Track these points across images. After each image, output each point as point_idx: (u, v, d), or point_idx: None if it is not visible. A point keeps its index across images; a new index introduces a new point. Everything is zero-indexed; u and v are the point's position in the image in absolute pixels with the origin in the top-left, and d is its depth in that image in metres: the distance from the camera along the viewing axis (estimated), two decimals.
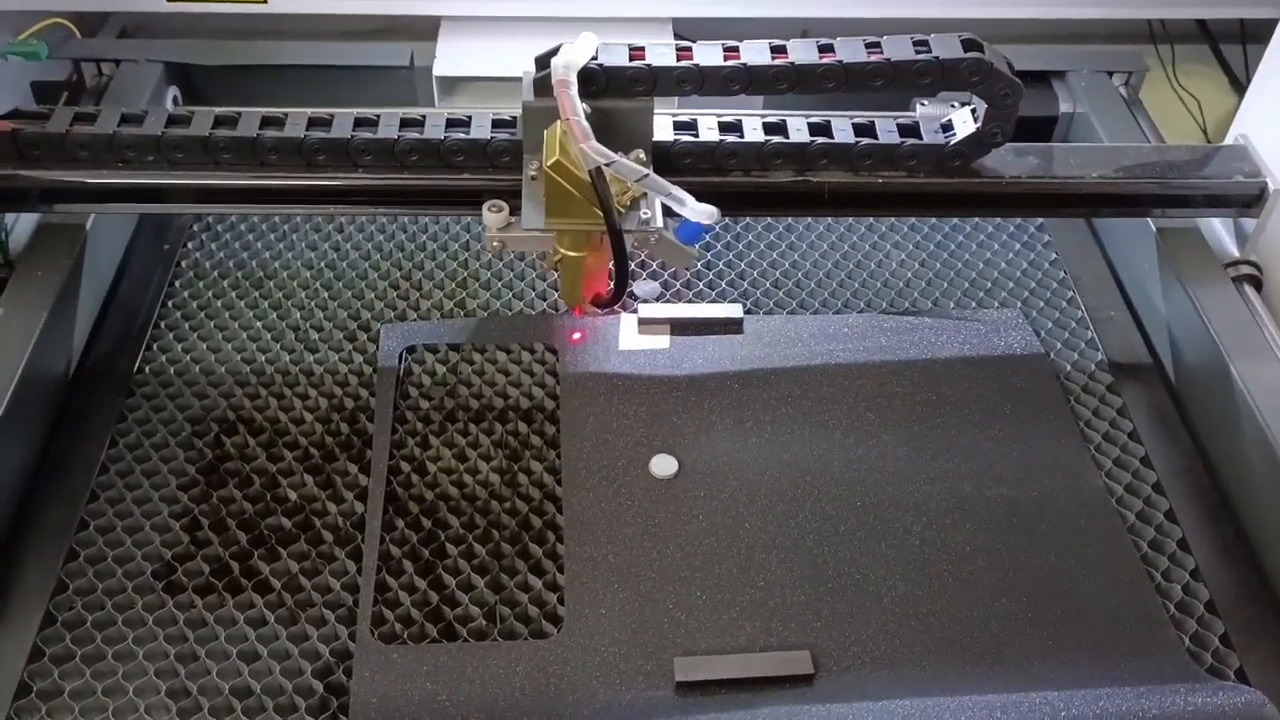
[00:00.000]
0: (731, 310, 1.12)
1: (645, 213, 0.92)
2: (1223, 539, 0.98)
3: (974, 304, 1.18)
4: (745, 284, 1.19)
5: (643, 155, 0.95)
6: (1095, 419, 1.07)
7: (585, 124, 0.87)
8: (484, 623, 0.89)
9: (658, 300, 1.14)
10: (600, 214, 0.88)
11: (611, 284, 0.99)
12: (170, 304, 1.15)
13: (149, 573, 0.91)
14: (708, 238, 1.22)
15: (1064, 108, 1.34)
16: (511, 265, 1.20)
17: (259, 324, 1.13)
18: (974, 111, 1.00)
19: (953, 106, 1.06)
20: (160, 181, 1.04)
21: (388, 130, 1.03)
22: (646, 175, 0.87)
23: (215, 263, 1.19)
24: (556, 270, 1.00)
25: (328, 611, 0.90)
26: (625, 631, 0.88)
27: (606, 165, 0.86)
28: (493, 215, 0.95)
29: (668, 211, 0.91)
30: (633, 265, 1.15)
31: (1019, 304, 1.18)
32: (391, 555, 0.93)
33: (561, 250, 0.96)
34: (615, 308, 1.03)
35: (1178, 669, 0.88)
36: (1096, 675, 0.87)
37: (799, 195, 1.04)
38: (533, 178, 0.96)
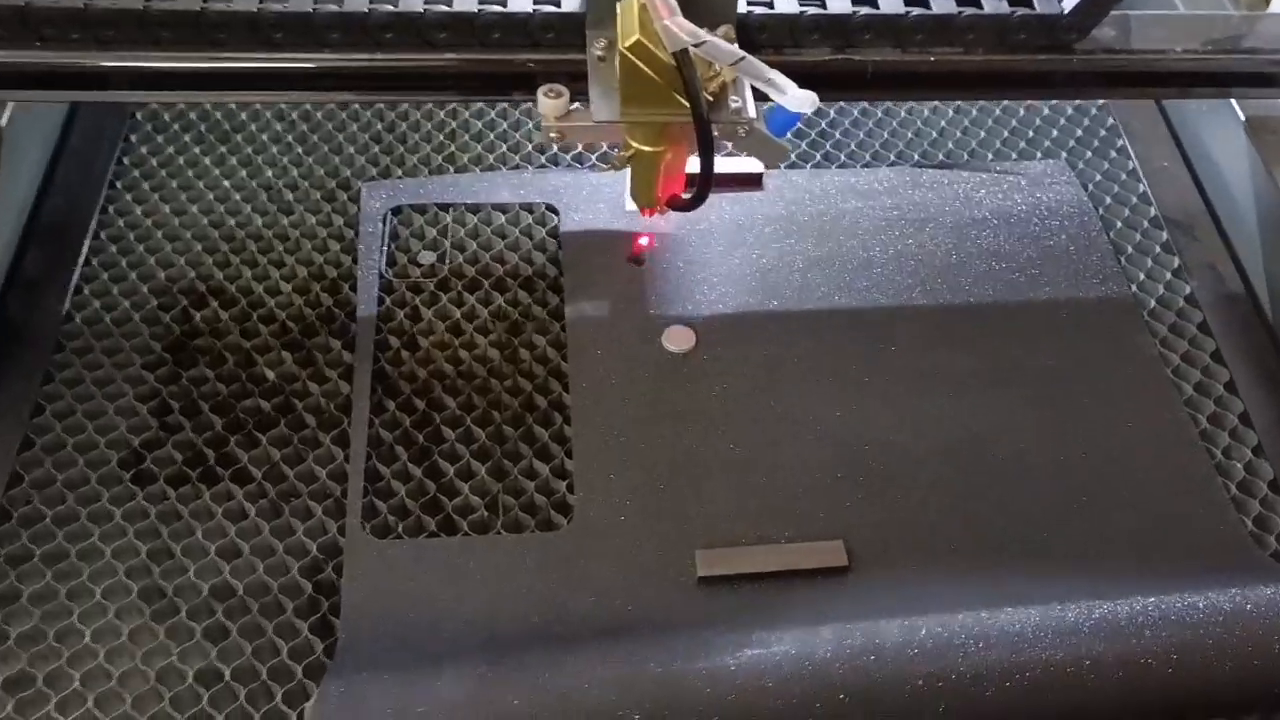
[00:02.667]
0: (751, 164, 1.04)
1: (735, 101, 0.81)
2: None
3: (1014, 154, 1.11)
4: None
5: (731, 32, 0.84)
6: (1148, 280, 1.01)
7: None
8: (486, 514, 0.85)
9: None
10: (684, 103, 0.77)
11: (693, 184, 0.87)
12: (126, 160, 1.06)
13: (114, 462, 0.86)
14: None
15: None
16: (506, 114, 1.11)
17: (226, 183, 1.05)
18: None
19: None
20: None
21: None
22: (743, 58, 0.75)
23: (175, 114, 1.10)
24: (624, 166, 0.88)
25: (314, 503, 0.85)
26: (641, 522, 0.83)
27: (696, 46, 0.74)
28: (550, 102, 0.83)
29: (759, 97, 0.80)
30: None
31: (1064, 154, 1.11)
32: (382, 440, 0.88)
33: (634, 145, 0.85)
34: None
35: (1240, 554, 0.83)
36: (1150, 564, 0.82)
37: (837, 75, 0.91)
38: (600, 59, 0.83)
